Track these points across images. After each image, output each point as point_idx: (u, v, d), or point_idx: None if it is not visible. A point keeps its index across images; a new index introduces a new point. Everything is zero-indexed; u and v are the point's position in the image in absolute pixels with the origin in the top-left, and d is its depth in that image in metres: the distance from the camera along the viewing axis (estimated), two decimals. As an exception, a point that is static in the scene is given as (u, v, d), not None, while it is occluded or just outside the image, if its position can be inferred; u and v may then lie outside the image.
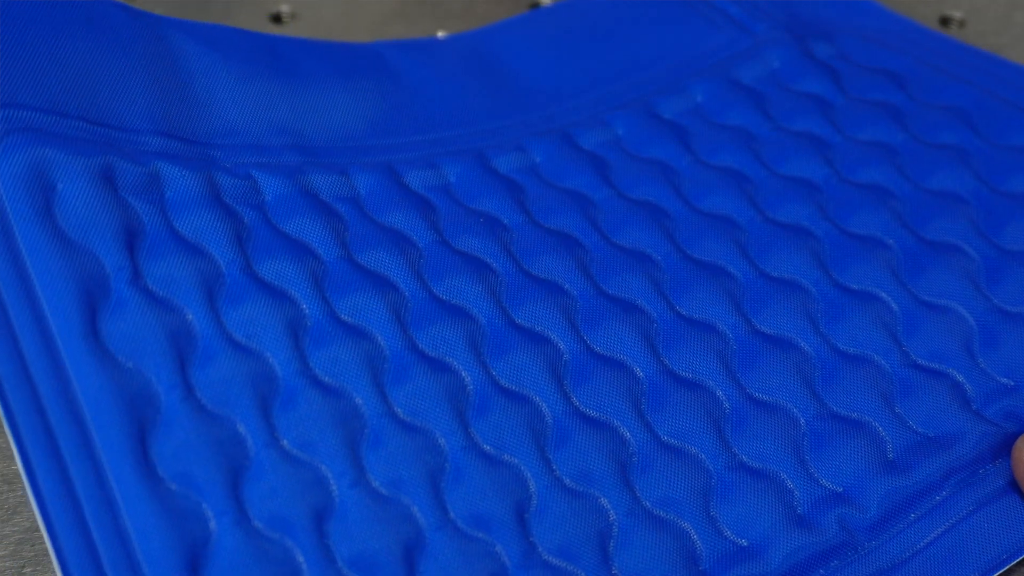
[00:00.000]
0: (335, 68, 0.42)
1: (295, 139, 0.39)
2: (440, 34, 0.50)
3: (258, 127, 0.38)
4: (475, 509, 0.30)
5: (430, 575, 0.29)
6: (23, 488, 0.35)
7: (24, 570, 0.33)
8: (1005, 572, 0.31)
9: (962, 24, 0.50)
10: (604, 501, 0.31)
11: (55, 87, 0.35)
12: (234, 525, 0.29)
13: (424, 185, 0.39)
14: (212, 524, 0.29)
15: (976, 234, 0.38)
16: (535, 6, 0.51)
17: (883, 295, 0.37)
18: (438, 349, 0.33)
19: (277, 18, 0.50)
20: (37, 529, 0.34)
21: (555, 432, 0.32)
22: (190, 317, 0.32)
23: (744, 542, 0.31)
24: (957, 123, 0.42)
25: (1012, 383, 0.35)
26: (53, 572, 0.33)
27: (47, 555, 0.33)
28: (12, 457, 0.35)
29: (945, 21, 0.50)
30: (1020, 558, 0.31)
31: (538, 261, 0.37)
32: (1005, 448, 0.33)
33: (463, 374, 0.33)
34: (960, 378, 0.35)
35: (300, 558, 0.29)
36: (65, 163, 0.33)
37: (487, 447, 0.32)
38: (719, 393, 0.34)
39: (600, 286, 0.36)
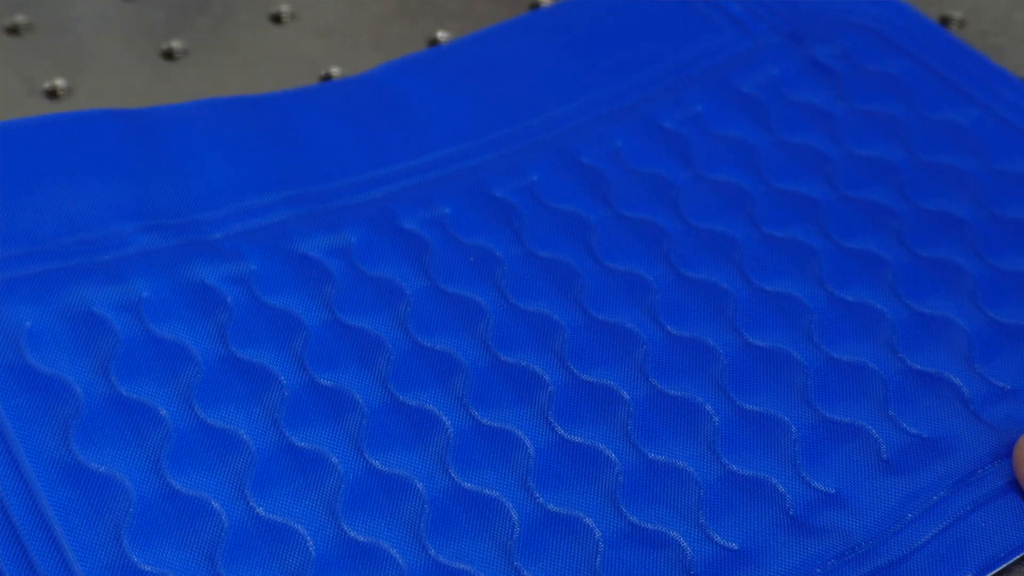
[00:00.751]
0: (326, 107, 0.43)
1: (288, 191, 0.39)
2: (440, 34, 0.50)
3: (249, 187, 0.39)
4: (459, 547, 0.30)
5: None
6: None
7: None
8: (1003, 571, 0.31)
9: (962, 24, 0.50)
10: (589, 521, 0.31)
11: (28, 220, 0.37)
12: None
13: (419, 222, 0.39)
14: None
15: (974, 256, 0.38)
16: (535, 6, 0.51)
17: (880, 307, 0.37)
18: (419, 399, 0.34)
19: (277, 18, 0.50)
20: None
21: (539, 463, 0.32)
22: (163, 413, 0.32)
23: (734, 545, 0.31)
24: (957, 143, 0.42)
25: (1010, 387, 0.35)
26: None
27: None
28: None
29: (945, 21, 0.50)
30: (1017, 556, 0.31)
31: (529, 296, 0.37)
32: (1003, 450, 0.33)
33: (444, 419, 0.33)
34: (958, 381, 0.35)
35: None
36: (34, 303, 0.34)
37: (468, 485, 0.32)
38: (708, 408, 0.34)
39: (591, 314, 0.36)
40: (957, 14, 0.50)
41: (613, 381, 0.34)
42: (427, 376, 0.34)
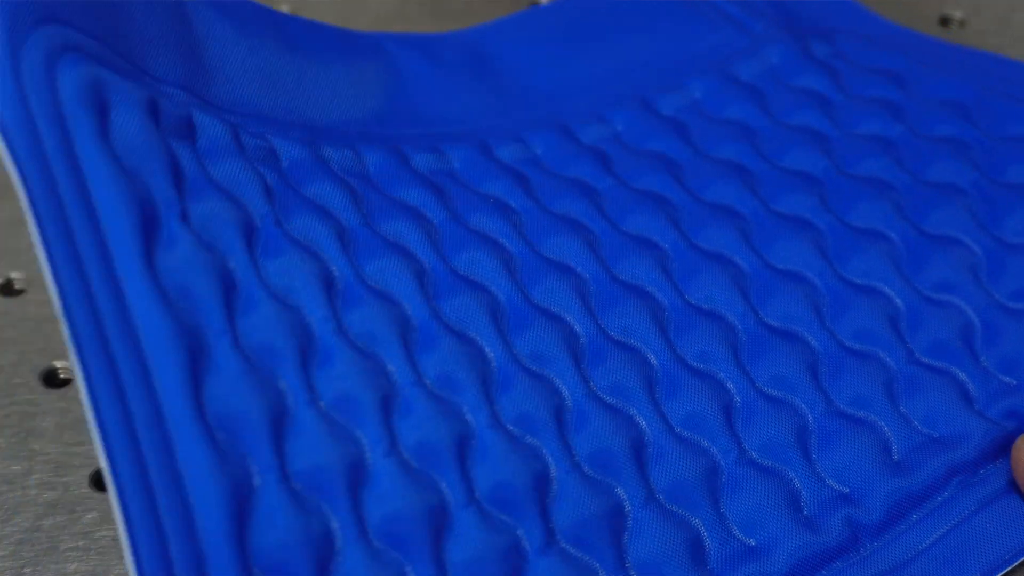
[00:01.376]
0: (338, 53, 0.42)
1: (301, 119, 0.39)
2: (440, 34, 0.50)
3: (267, 102, 0.38)
4: (499, 490, 0.30)
5: (453, 552, 0.29)
6: (22, 488, 0.35)
7: (24, 570, 0.33)
8: (1007, 573, 0.31)
9: (962, 24, 0.50)
10: (620, 491, 0.31)
11: (96, 23, 0.34)
12: (276, 483, 0.29)
13: (429, 169, 0.39)
14: (256, 480, 0.28)
15: (976, 226, 0.38)
16: (534, 5, 0.51)
17: (886, 290, 0.37)
18: (462, 322, 0.33)
19: (277, 18, 0.50)
20: (37, 530, 0.34)
21: (575, 416, 0.32)
22: (231, 264, 0.31)
23: (752, 542, 0.31)
24: (954, 116, 0.42)
25: (1014, 382, 0.35)
26: (52, 573, 0.33)
27: (46, 555, 0.33)
28: (12, 457, 0.35)
29: (945, 21, 0.50)
30: (1022, 559, 0.31)
31: (549, 242, 0.36)
32: (1006, 448, 0.33)
33: (486, 349, 0.33)
34: (963, 377, 0.35)
35: (335, 523, 0.29)
36: (119, 90, 0.32)
37: (511, 427, 0.32)
38: (730, 385, 0.34)
39: (611, 270, 0.36)
40: (957, 14, 0.50)
41: (640, 343, 0.35)
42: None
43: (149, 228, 0.30)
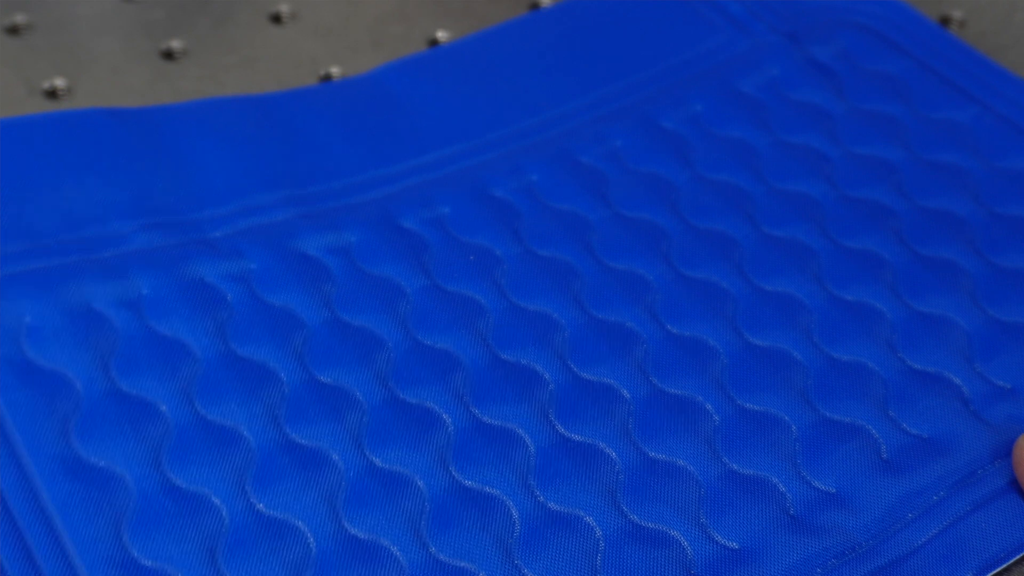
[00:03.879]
0: (326, 107, 0.43)
1: (287, 190, 0.40)
2: (440, 34, 0.50)
3: (249, 186, 0.39)
4: (459, 545, 0.30)
5: None
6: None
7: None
8: (1003, 571, 0.31)
9: (962, 24, 0.50)
10: (590, 519, 0.31)
11: (29, 217, 0.37)
12: None
13: (419, 221, 0.39)
14: None
15: (974, 254, 0.38)
16: (535, 6, 0.51)
17: (880, 307, 0.37)
18: (419, 396, 0.34)
19: (277, 18, 0.50)
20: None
21: (539, 461, 0.32)
22: (163, 408, 0.32)
23: (735, 545, 0.31)
24: (956, 141, 0.42)
25: (1010, 386, 0.35)
26: None
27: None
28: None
29: (945, 21, 0.50)
30: (1017, 556, 0.31)
31: (529, 295, 0.37)
32: (1003, 449, 0.33)
33: (444, 416, 0.33)
34: (957, 381, 0.35)
35: None
36: (34, 299, 0.34)
37: (469, 483, 0.32)
38: (708, 407, 0.34)
39: (591, 312, 0.36)
40: (957, 14, 0.50)
41: (614, 379, 0.34)
42: (427, 374, 0.34)
43: (67, 417, 0.32)
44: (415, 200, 0.39)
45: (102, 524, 0.30)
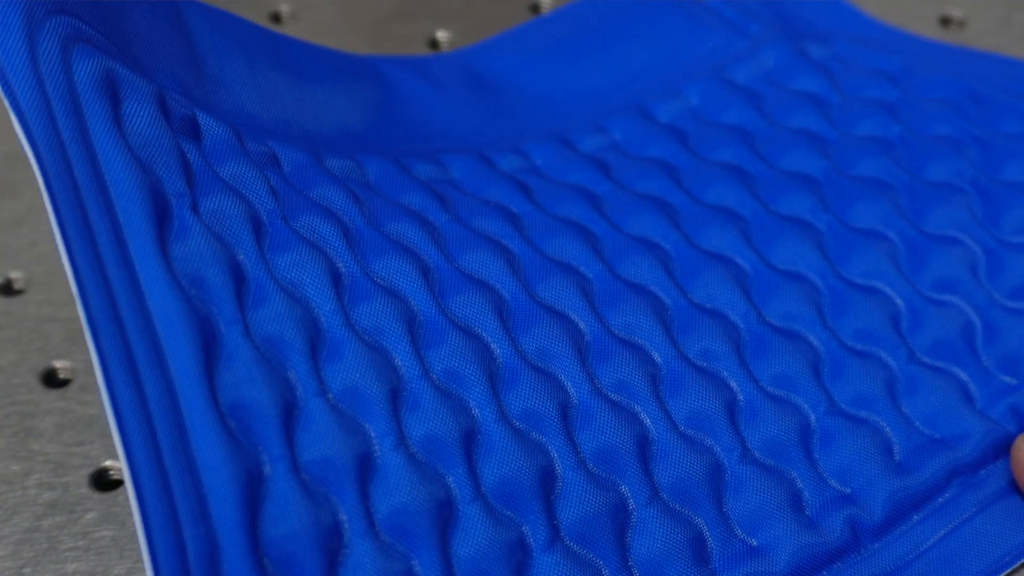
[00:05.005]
0: (335, 73, 0.42)
1: (300, 131, 0.39)
2: (440, 34, 0.50)
3: (266, 115, 0.39)
4: (505, 486, 0.30)
5: (459, 547, 0.29)
6: (22, 488, 0.35)
7: (23, 570, 0.33)
8: (1009, 574, 0.31)
9: (962, 24, 0.50)
10: (625, 489, 0.31)
11: (104, 22, 0.34)
12: (286, 473, 0.29)
13: (429, 177, 0.39)
14: (267, 469, 0.28)
15: (975, 224, 0.38)
16: (535, 7, 0.51)
17: (887, 290, 0.37)
18: (468, 318, 0.33)
19: (277, 18, 0.50)
20: (37, 530, 0.34)
21: (580, 413, 0.32)
22: (241, 257, 0.31)
23: (755, 542, 0.31)
24: (951, 113, 0.42)
25: (1015, 382, 0.35)
26: (52, 573, 0.33)
27: (46, 555, 0.33)
28: (12, 457, 0.35)
29: (945, 21, 0.50)
30: (1022, 561, 0.31)
31: (552, 244, 0.36)
32: (1006, 448, 0.33)
33: (492, 346, 0.33)
34: (964, 377, 0.35)
35: (343, 515, 0.29)
36: (130, 83, 0.32)
37: (517, 423, 0.32)
38: (733, 384, 0.34)
39: (614, 269, 0.36)
40: (957, 14, 0.50)
41: (646, 342, 0.34)
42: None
43: (162, 217, 0.31)
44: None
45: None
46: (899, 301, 0.36)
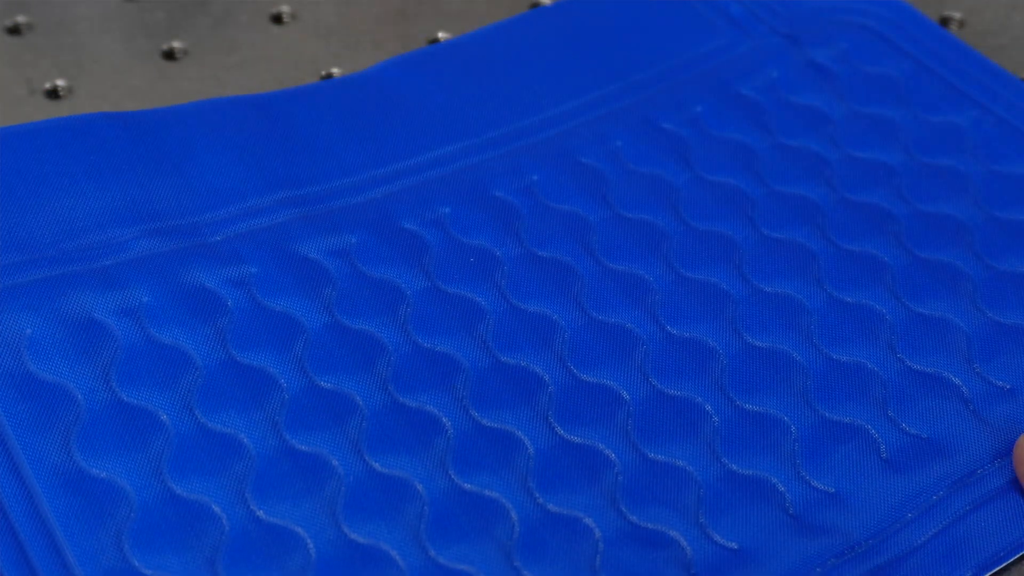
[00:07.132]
0: (325, 106, 0.43)
1: (287, 192, 0.39)
2: (440, 34, 0.50)
3: (248, 188, 0.39)
4: (459, 549, 0.30)
5: None
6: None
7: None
8: (1002, 570, 0.31)
9: (962, 24, 0.50)
10: (589, 521, 0.31)
11: (28, 226, 0.37)
12: None
13: (419, 222, 0.39)
14: None
15: (974, 258, 0.38)
16: (535, 5, 0.51)
17: (880, 309, 0.37)
18: (419, 400, 0.33)
19: (277, 18, 0.50)
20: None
21: (538, 464, 0.32)
22: (164, 418, 0.32)
23: (734, 545, 0.31)
24: (956, 145, 0.42)
25: (1009, 386, 0.35)
26: None
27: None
28: None
29: (945, 21, 0.50)
30: (1017, 556, 0.31)
31: (529, 296, 0.37)
32: (1003, 449, 0.33)
33: (444, 421, 0.33)
34: (957, 381, 0.35)
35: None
36: (34, 310, 0.34)
37: (468, 486, 0.32)
38: (708, 407, 0.34)
39: (591, 314, 0.36)
40: (957, 14, 0.50)
41: (613, 381, 0.34)
42: (427, 378, 0.34)
43: (67, 428, 0.32)
44: (415, 200, 0.39)
45: (104, 535, 0.30)
46: (892, 319, 0.37)
